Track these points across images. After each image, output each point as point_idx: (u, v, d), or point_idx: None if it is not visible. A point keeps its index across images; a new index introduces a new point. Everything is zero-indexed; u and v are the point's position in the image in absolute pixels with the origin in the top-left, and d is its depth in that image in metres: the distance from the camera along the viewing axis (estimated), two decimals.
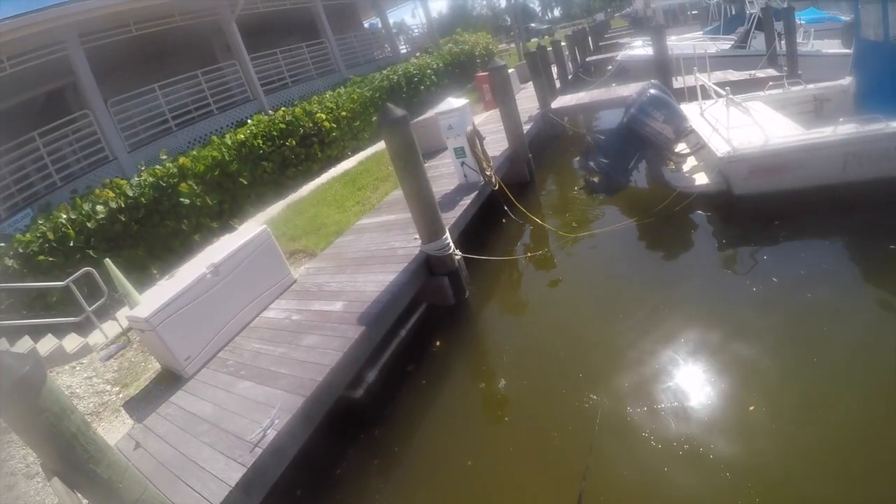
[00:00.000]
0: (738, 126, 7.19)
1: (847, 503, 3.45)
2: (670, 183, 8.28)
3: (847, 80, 8.40)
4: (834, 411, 4.11)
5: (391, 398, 5.81)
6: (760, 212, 6.79)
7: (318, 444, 4.90)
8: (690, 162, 8.58)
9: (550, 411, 4.99)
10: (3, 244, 9.34)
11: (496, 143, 10.05)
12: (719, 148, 7.10)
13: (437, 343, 6.49)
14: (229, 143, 12.04)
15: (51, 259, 9.11)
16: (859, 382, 4.30)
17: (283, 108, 14.10)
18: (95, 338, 8.02)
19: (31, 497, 5.08)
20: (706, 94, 8.87)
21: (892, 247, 5.62)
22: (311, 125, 13.94)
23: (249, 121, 13.45)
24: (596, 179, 9.13)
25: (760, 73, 12.42)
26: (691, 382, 4.73)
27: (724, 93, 7.39)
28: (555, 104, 13.63)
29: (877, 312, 5.01)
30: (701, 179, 7.91)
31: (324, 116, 14.29)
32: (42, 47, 12.93)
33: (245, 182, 12.00)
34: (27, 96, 14.70)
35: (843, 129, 6.41)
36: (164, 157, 11.43)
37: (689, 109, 8.65)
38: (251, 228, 7.29)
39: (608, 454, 4.30)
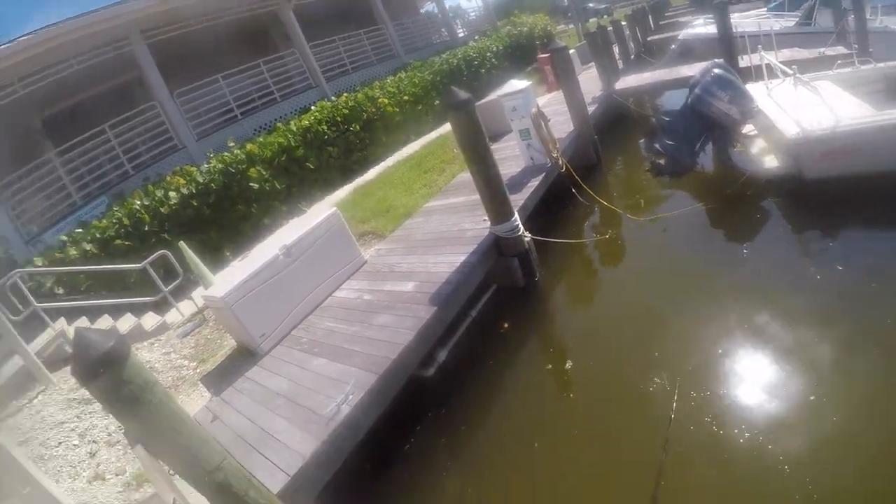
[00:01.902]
0: (807, 106, 6.85)
1: None
2: (738, 166, 7.96)
3: None
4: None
5: (460, 378, 5.80)
6: (831, 197, 6.44)
7: (388, 420, 4.94)
8: (758, 144, 8.19)
9: (618, 396, 4.89)
10: (80, 230, 9.75)
11: (561, 125, 9.85)
12: (788, 130, 6.76)
13: (505, 325, 6.41)
14: (294, 129, 12.24)
15: (127, 243, 9.49)
16: None
17: (345, 94, 14.23)
18: (172, 316, 8.30)
19: (113, 462, 5.30)
20: (772, 74, 8.46)
21: None
22: (373, 110, 14.00)
23: (313, 107, 13.63)
24: (662, 161, 8.84)
25: (829, 52, 11.72)
26: (758, 371, 4.57)
27: (790, 72, 7.07)
28: (618, 85, 13.28)
29: None
30: (770, 162, 7.54)
31: (386, 101, 14.34)
32: (105, 44, 13.47)
33: (311, 167, 12.18)
34: (96, 91, 15.26)
35: None
36: (232, 144, 11.70)
37: (755, 89, 8.26)
38: (321, 211, 7.37)
39: (682, 444, 4.15)
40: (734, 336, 4.97)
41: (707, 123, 8.09)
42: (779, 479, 3.60)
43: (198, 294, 8.30)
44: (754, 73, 9.37)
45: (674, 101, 13.08)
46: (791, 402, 4.15)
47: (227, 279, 6.52)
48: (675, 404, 4.44)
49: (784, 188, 7.08)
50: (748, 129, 8.25)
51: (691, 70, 11.54)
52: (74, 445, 5.71)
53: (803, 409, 4.05)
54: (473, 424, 5.21)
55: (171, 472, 3.39)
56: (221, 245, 10.20)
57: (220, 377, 6.13)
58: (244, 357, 6.29)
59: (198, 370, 6.64)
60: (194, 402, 5.96)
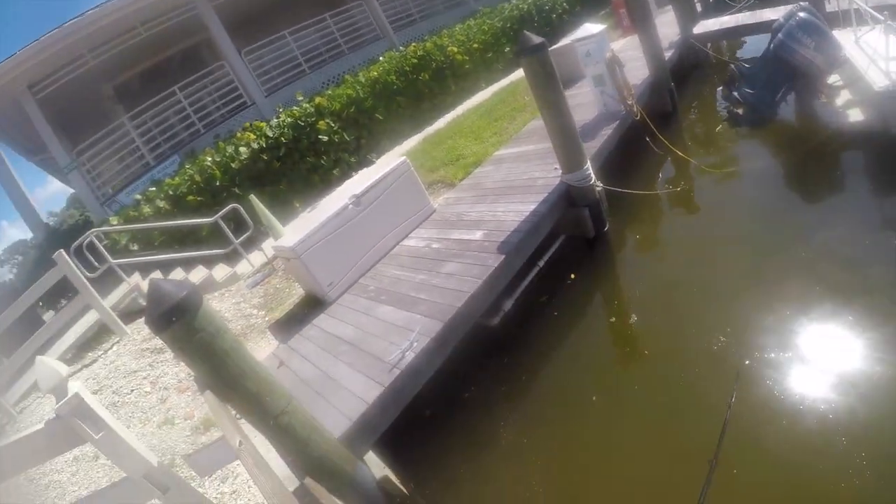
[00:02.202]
0: None
1: None
2: (821, 118, 7.38)
3: None
4: None
5: (523, 328, 5.69)
6: None
7: (450, 367, 4.86)
8: (844, 96, 7.52)
9: (682, 356, 4.63)
10: (154, 189, 10.07)
11: (636, 72, 9.34)
12: (877, 81, 6.18)
13: (572, 276, 6.22)
14: (363, 80, 12.20)
15: (199, 198, 9.72)
16: None
17: (413, 44, 14.06)
18: (242, 267, 8.49)
19: (182, 408, 5.49)
20: (862, 20, 7.66)
21: None
22: (442, 59, 13.78)
23: (381, 58, 13.54)
24: (740, 111, 8.33)
25: None
26: (826, 337, 4.23)
27: (882, 18, 6.36)
28: (696, 29, 12.44)
29: None
30: (855, 116, 6.91)
31: (455, 49, 14.08)
32: (171, 11, 13.64)
33: (380, 117, 12.15)
34: (164, 55, 15.56)
35: None
36: (301, 98, 11.75)
37: (842, 36, 7.55)
38: (390, 161, 7.31)
39: (746, 408, 3.88)
40: (809, 307, 4.56)
41: (790, 72, 7.58)
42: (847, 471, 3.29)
43: (268, 245, 8.43)
44: (842, 19, 8.55)
45: (755, 47, 12.14)
46: (865, 384, 3.77)
47: (296, 229, 6.59)
48: (737, 376, 4.16)
49: (869, 144, 6.49)
50: (834, 79, 7.62)
51: (775, 13, 10.67)
52: (146, 392, 5.95)
53: (876, 392, 3.67)
54: (534, 375, 5.12)
55: (238, 416, 3.44)
56: (291, 197, 10.33)
57: (288, 325, 6.22)
58: (312, 305, 6.35)
59: (266, 318, 6.76)
60: (262, 349, 6.06)
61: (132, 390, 6.04)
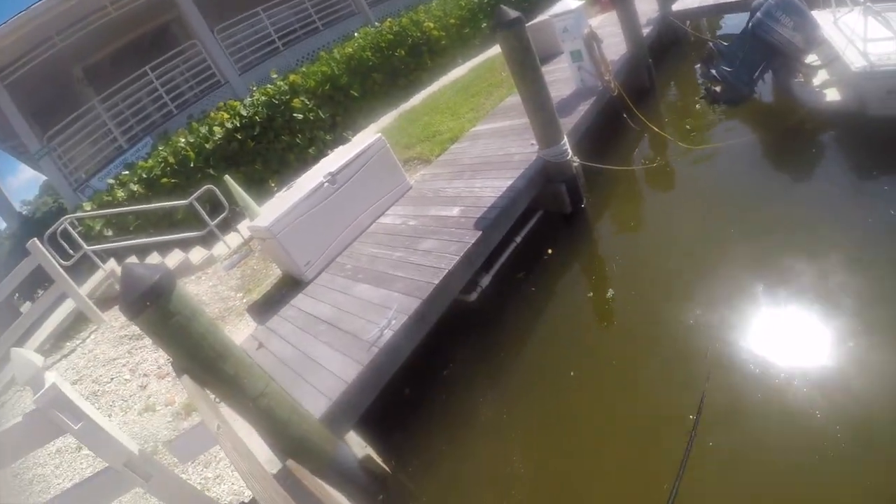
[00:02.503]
0: (878, 39, 6.22)
1: None
2: (798, 97, 7.41)
3: None
4: None
5: (502, 304, 5.70)
6: (895, 137, 5.88)
7: (429, 345, 4.89)
8: (821, 76, 7.55)
9: (659, 329, 4.68)
10: (127, 172, 9.89)
11: (614, 48, 9.29)
12: (855, 62, 6.22)
13: (549, 251, 6.24)
14: (338, 57, 12.08)
15: (173, 181, 9.61)
16: None
17: (389, 20, 13.88)
18: (219, 249, 8.40)
19: (162, 394, 5.46)
20: (841, 1, 7.70)
21: None
22: (419, 34, 13.67)
23: (356, 34, 13.39)
24: (718, 89, 8.33)
25: None
26: (805, 317, 4.26)
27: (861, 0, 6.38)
28: (675, 6, 12.41)
29: None
30: (832, 96, 6.96)
31: (432, 25, 13.96)
32: None
33: (356, 94, 12.06)
34: (135, 35, 15.15)
35: None
36: (275, 75, 11.59)
37: (821, 17, 7.56)
38: (365, 138, 7.25)
39: (723, 381, 3.94)
40: (785, 280, 4.63)
41: (768, 51, 7.57)
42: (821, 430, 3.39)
43: (244, 226, 8.35)
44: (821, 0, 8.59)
45: (734, 25, 12.19)
46: (838, 354, 3.86)
47: (272, 209, 6.52)
48: (708, 353, 4.21)
49: (845, 123, 6.56)
50: (811, 59, 7.64)
51: None
52: (126, 380, 5.91)
53: (848, 363, 3.76)
54: (512, 351, 5.14)
55: (217, 400, 3.44)
56: (267, 177, 10.25)
57: (266, 306, 6.18)
58: (289, 286, 6.31)
59: (244, 300, 6.71)
60: (241, 331, 6.03)
61: (112, 379, 5.99)
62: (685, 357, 4.28)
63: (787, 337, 4.11)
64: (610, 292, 5.43)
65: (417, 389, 5.07)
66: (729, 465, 3.43)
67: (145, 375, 5.87)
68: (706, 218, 5.92)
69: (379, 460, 4.17)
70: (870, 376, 3.57)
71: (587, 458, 3.99)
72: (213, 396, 3.26)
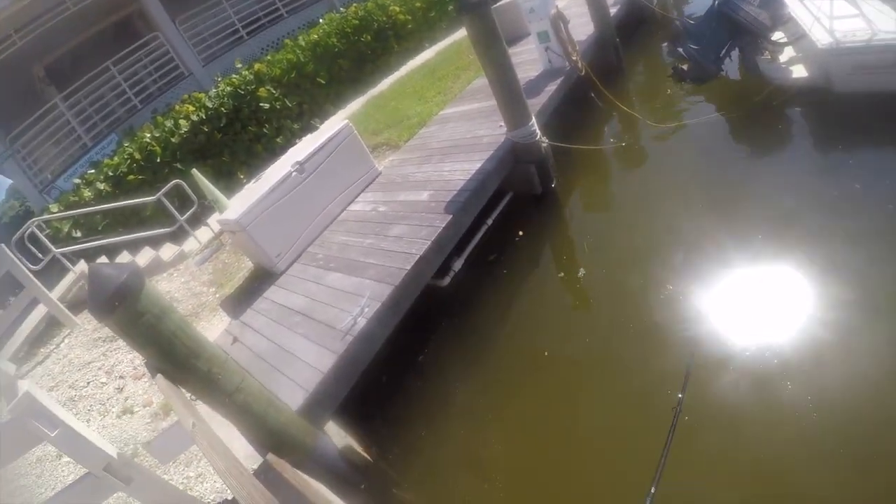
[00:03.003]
0: (844, 17, 6.31)
1: None
2: (765, 74, 7.46)
3: None
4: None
5: (474, 288, 5.71)
6: (861, 113, 5.99)
7: (403, 331, 4.89)
8: (788, 53, 7.63)
9: (632, 306, 4.73)
10: (93, 171, 9.68)
11: (581, 28, 9.28)
12: (821, 39, 6.29)
13: (521, 233, 6.27)
14: (303, 44, 11.95)
15: (140, 177, 9.47)
16: None
17: (354, 5, 13.72)
18: (190, 245, 8.30)
19: (140, 395, 5.40)
20: None
21: None
22: (385, 19, 13.56)
23: (322, 20, 13.24)
24: (685, 67, 8.34)
25: None
26: (770, 285, 4.38)
27: None
28: None
29: None
30: (798, 72, 7.04)
31: (398, 9, 13.85)
32: None
33: (323, 81, 11.95)
34: (96, 29, 14.71)
35: None
36: (239, 65, 11.43)
37: None
38: (333, 126, 7.17)
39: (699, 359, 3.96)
40: (753, 255, 4.71)
41: (734, 28, 7.58)
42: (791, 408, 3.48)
43: (214, 220, 8.23)
44: None
45: (702, 3, 12.27)
46: (809, 332, 3.93)
47: (241, 201, 6.44)
48: (690, 321, 4.30)
49: (811, 100, 6.66)
50: (778, 36, 7.70)
51: None
52: (102, 383, 5.84)
53: (820, 342, 3.83)
54: (486, 334, 5.17)
55: (193, 398, 3.41)
56: (235, 169, 10.14)
57: (239, 300, 6.13)
58: (261, 278, 6.26)
59: (217, 295, 6.65)
60: (215, 326, 5.98)
61: (88, 383, 5.92)
62: (659, 333, 4.33)
63: (758, 309, 4.18)
64: (581, 271, 5.47)
65: (394, 376, 5.08)
66: (711, 442, 3.50)
67: (121, 377, 5.80)
68: (675, 195, 5.97)
69: (360, 449, 4.19)
70: (844, 347, 3.66)
71: (564, 437, 4.03)
72: (189, 395, 3.23)
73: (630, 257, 5.32)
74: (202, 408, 3.39)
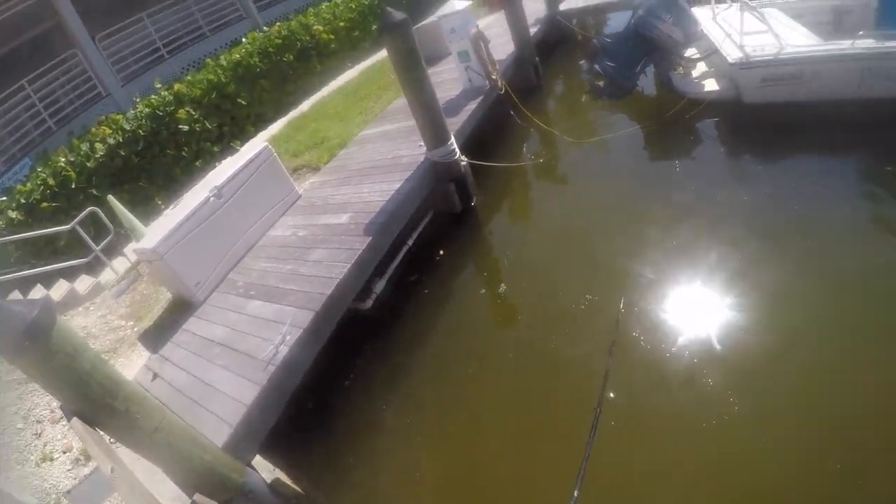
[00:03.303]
0: (752, 33, 6.75)
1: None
2: (678, 88, 7.87)
3: None
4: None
5: (397, 309, 5.75)
6: (769, 122, 6.48)
7: (327, 356, 4.88)
8: (700, 68, 8.10)
9: (555, 319, 4.90)
10: (4, 198, 9.20)
11: (502, 47, 9.52)
12: (731, 54, 6.72)
13: (441, 252, 6.37)
14: (224, 64, 11.66)
15: (54, 204, 9.02)
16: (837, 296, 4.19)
17: (278, 24, 13.54)
18: (106, 276, 7.97)
19: (59, 440, 5.15)
20: None
21: (889, 168, 5.27)
22: (308, 38, 13.40)
23: (244, 39, 12.97)
24: (601, 83, 8.71)
25: None
26: (693, 290, 4.66)
27: None
28: (563, 6, 12.86)
29: (869, 231, 4.80)
30: (710, 86, 7.49)
31: (321, 28, 13.71)
32: None
33: (244, 102, 11.69)
34: (10, 46, 14.05)
35: (861, 43, 5.93)
36: (159, 85, 11.10)
37: (701, 13, 8.09)
38: (253, 147, 7.07)
39: (620, 360, 4.21)
40: (669, 261, 4.98)
41: (649, 45, 7.99)
42: (710, 397, 3.72)
43: (131, 249, 7.94)
44: None
45: (619, 22, 12.77)
46: (723, 318, 4.25)
47: (158, 229, 6.22)
48: (617, 323, 4.49)
49: (721, 111, 7.07)
50: (691, 52, 8.13)
51: None
52: (19, 429, 5.52)
53: (731, 338, 4.12)
54: (411, 354, 5.21)
55: (113, 441, 3.27)
56: (153, 194, 9.80)
57: (158, 333, 5.93)
58: (181, 309, 6.08)
59: (135, 329, 6.41)
60: (134, 363, 5.77)
61: (3, 430, 5.58)
62: (581, 340, 4.51)
63: (675, 311, 4.46)
64: (502, 287, 5.61)
65: (321, 403, 5.05)
66: (633, 437, 3.68)
67: (38, 422, 5.51)
68: (593, 207, 6.22)
69: (290, 482, 4.15)
70: (761, 332, 3.99)
71: (496, 445, 4.12)
72: (107, 438, 3.11)
73: (549, 270, 5.49)
74: (124, 451, 3.28)
